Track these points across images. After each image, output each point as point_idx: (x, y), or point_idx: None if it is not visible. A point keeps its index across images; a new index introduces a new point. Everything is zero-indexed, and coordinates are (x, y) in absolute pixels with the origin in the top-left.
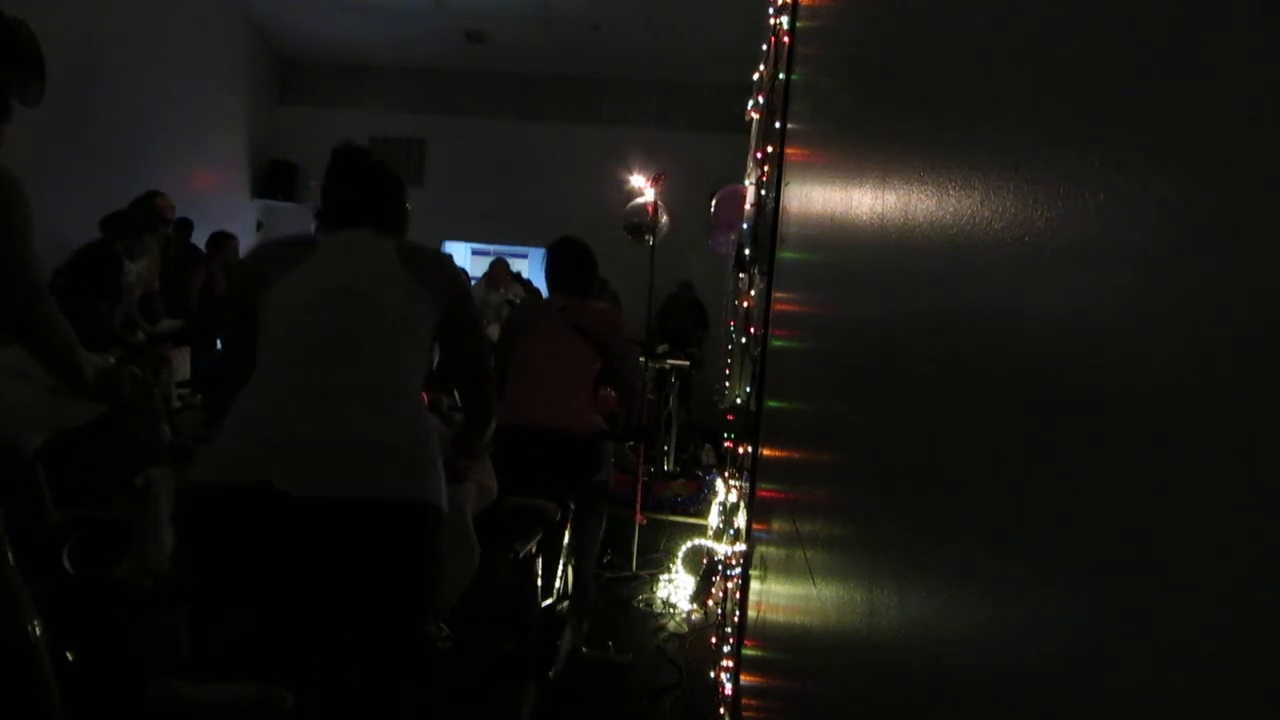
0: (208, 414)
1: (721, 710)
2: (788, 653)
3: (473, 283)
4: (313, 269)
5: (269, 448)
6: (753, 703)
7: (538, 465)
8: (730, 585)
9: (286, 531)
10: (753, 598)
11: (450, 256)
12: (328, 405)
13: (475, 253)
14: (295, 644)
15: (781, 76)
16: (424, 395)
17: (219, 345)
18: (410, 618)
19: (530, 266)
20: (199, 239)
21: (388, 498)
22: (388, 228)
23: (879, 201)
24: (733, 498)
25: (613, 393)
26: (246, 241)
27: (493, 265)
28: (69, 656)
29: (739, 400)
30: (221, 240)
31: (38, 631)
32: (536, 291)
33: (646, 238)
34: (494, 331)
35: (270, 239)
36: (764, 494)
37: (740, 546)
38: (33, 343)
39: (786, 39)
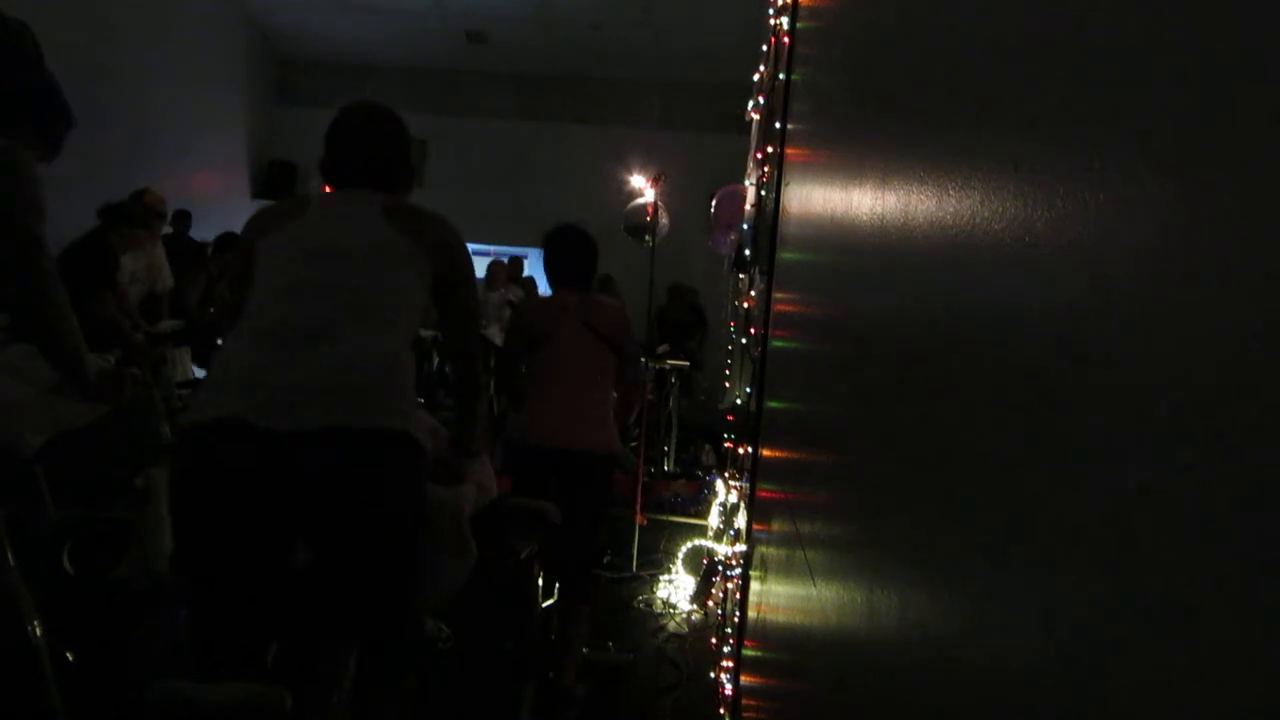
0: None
1: (722, 710)
2: (788, 653)
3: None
4: (299, 229)
5: (238, 386)
6: (753, 703)
7: (554, 484)
8: (730, 586)
9: (260, 464)
10: (753, 598)
11: (447, 219)
12: (294, 347)
13: (475, 253)
14: (275, 601)
15: (781, 76)
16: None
17: (220, 344)
18: (397, 563)
19: (529, 266)
20: (198, 239)
21: (354, 428)
22: (392, 187)
23: (879, 201)
24: (733, 498)
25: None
26: None
27: (490, 266)
28: (69, 656)
29: (739, 400)
30: (227, 242)
31: (38, 631)
32: (534, 286)
33: (646, 238)
34: (494, 333)
35: (268, 204)
36: (764, 494)
37: (740, 547)
38: (41, 332)
39: (786, 39)
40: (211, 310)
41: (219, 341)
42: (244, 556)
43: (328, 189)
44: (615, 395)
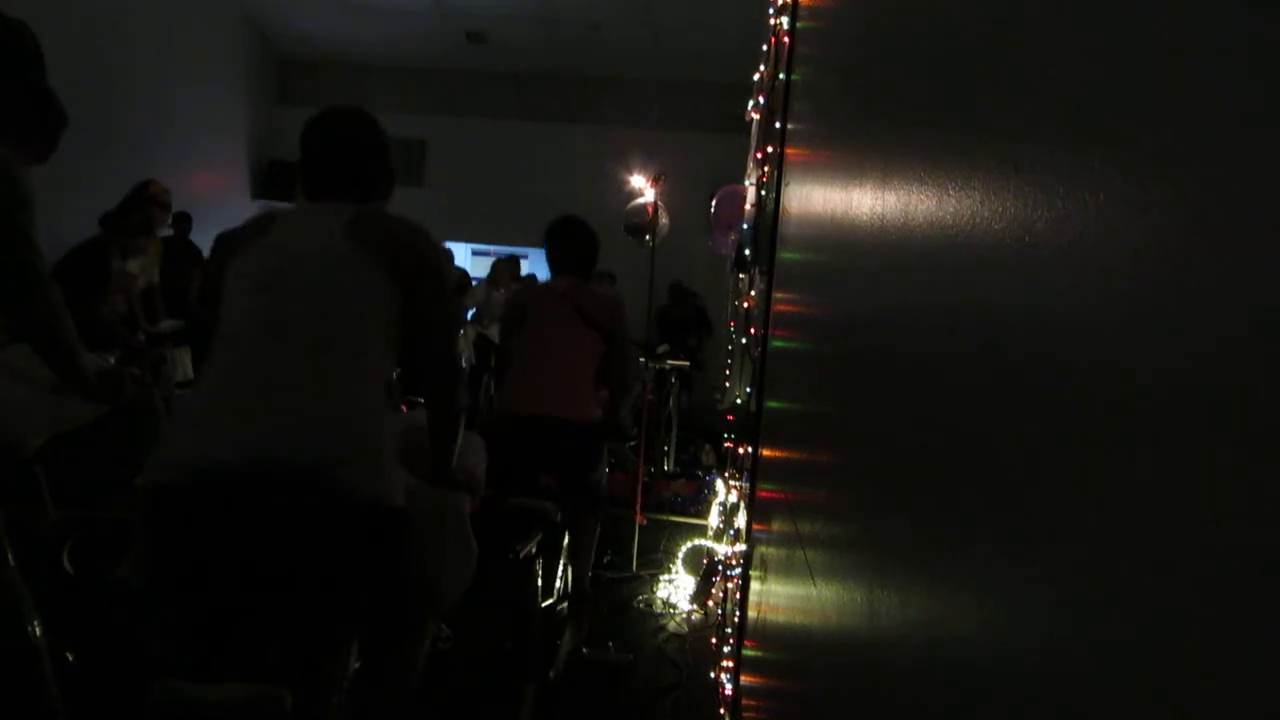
0: None
1: (722, 711)
2: (788, 653)
3: (475, 284)
4: (258, 250)
5: (198, 440)
6: (753, 703)
7: (537, 456)
8: (730, 585)
9: (216, 518)
10: (753, 598)
11: (420, 226)
12: (250, 395)
13: (475, 253)
14: (241, 637)
15: (781, 76)
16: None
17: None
18: (347, 616)
19: (529, 266)
20: (198, 239)
21: (316, 483)
22: (366, 195)
23: (879, 201)
24: (733, 498)
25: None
26: None
27: (494, 265)
28: (69, 656)
29: (739, 400)
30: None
31: (38, 631)
32: (535, 281)
33: (646, 238)
34: (495, 333)
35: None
36: (764, 494)
37: (740, 547)
38: (35, 330)
39: (786, 39)
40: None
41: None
42: (223, 595)
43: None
44: (606, 387)
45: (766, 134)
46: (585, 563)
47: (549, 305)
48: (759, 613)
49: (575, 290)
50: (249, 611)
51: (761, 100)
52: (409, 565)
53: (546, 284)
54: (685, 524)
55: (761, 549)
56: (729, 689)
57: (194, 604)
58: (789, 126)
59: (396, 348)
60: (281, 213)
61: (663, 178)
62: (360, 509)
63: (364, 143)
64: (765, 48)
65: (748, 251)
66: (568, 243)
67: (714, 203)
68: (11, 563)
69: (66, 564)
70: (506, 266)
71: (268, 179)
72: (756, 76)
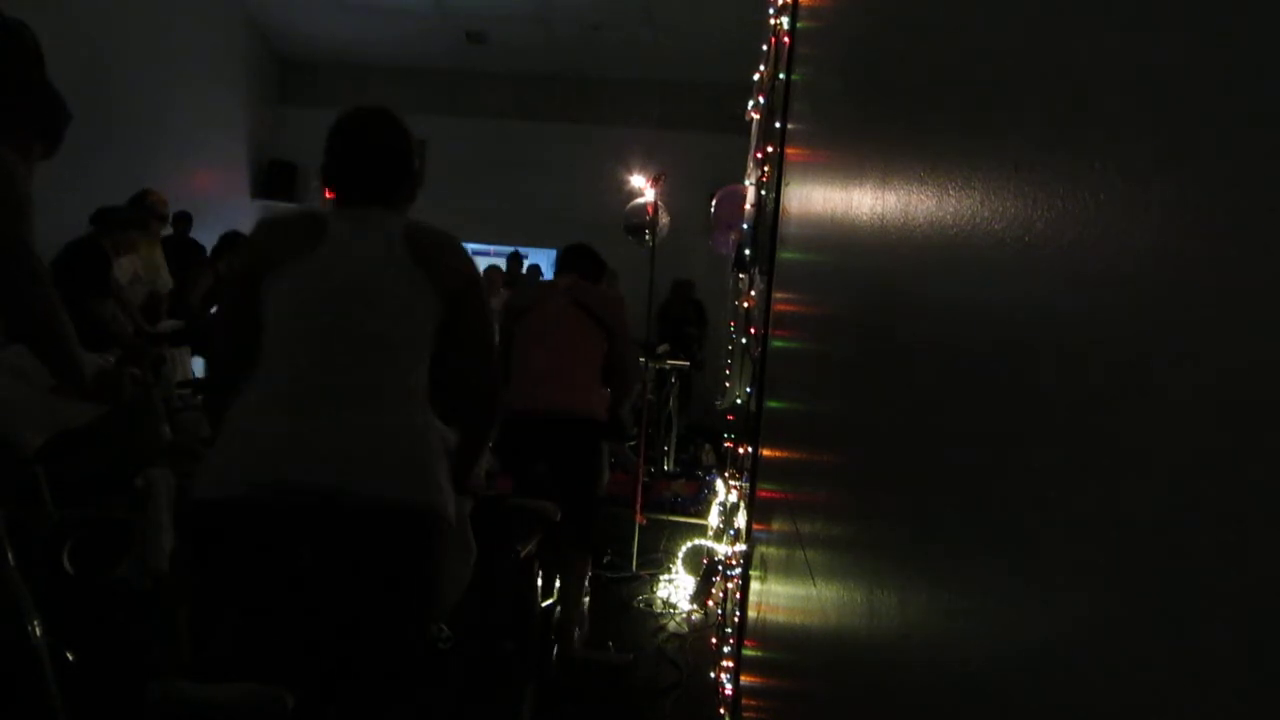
0: (207, 407)
1: (722, 710)
2: (788, 653)
3: None
4: (319, 264)
5: (264, 456)
6: (753, 703)
7: (540, 451)
8: (730, 585)
9: (280, 540)
10: (753, 598)
11: (460, 243)
12: (321, 410)
13: (476, 253)
14: (293, 652)
15: (781, 76)
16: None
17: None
18: (407, 627)
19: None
20: (198, 238)
21: (382, 502)
22: (399, 199)
23: (879, 201)
24: (733, 498)
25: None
26: None
27: (487, 272)
28: (69, 656)
29: (739, 400)
30: (233, 240)
31: (38, 631)
32: (539, 273)
33: (646, 238)
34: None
35: (278, 214)
36: (764, 494)
37: (740, 547)
38: (33, 329)
39: (786, 39)
40: (212, 311)
41: (216, 367)
42: (264, 616)
43: (329, 194)
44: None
45: (766, 134)
46: (573, 610)
47: (551, 300)
48: (759, 613)
49: (577, 286)
50: (301, 625)
51: (761, 100)
52: (442, 574)
53: (548, 282)
54: (685, 524)
55: (761, 549)
56: (729, 689)
57: (249, 619)
58: (789, 126)
59: (429, 363)
60: (330, 218)
61: (663, 178)
62: (414, 521)
63: (392, 145)
64: (765, 48)
65: (748, 251)
66: (577, 254)
67: (714, 203)
68: (11, 563)
69: (66, 564)
70: (502, 274)
71: (268, 179)
72: (756, 76)
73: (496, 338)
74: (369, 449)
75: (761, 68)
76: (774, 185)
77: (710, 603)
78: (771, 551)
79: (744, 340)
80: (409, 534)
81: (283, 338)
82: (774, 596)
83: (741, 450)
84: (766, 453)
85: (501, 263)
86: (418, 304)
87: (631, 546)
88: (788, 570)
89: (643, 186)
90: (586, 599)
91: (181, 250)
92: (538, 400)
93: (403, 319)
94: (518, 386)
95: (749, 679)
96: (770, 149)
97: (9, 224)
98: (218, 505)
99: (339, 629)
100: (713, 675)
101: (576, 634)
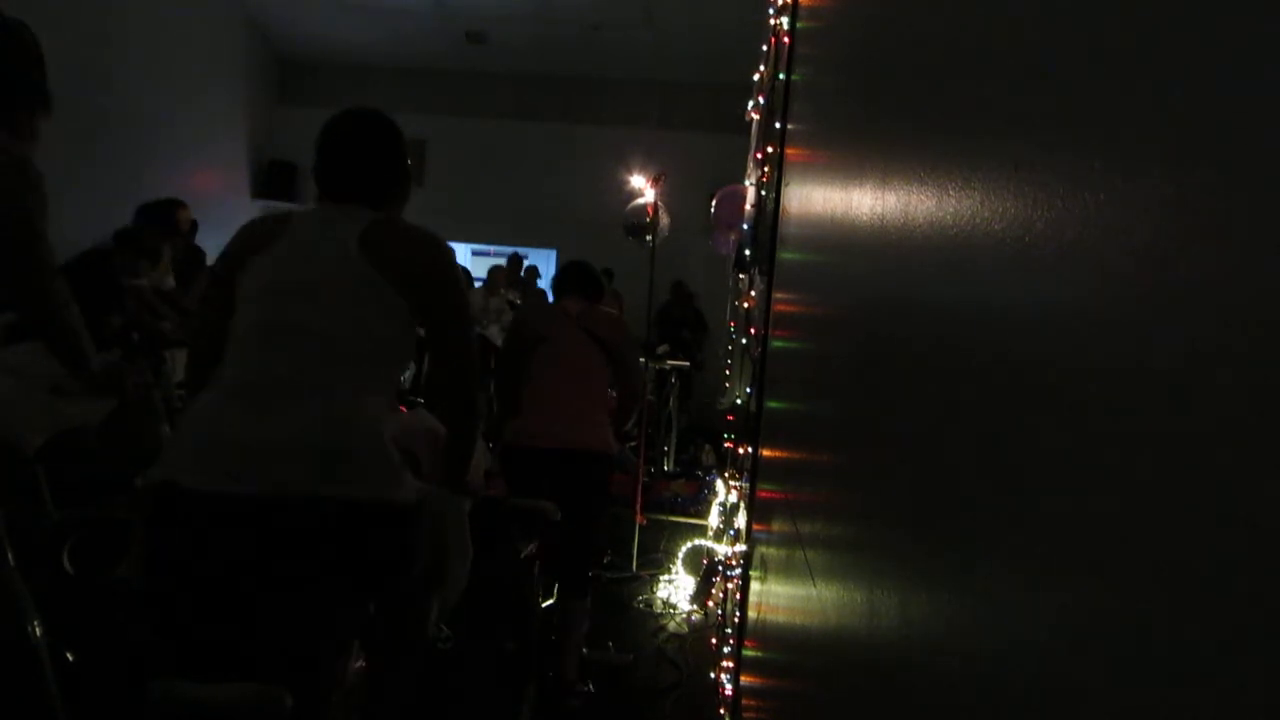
0: (185, 406)
1: (722, 711)
2: (788, 653)
3: (476, 284)
4: (274, 258)
5: (208, 448)
6: (753, 703)
7: (550, 484)
8: (730, 586)
9: (215, 529)
10: (753, 598)
11: (437, 240)
12: (267, 405)
13: (476, 253)
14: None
15: (781, 76)
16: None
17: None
18: (342, 614)
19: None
20: (198, 239)
21: (308, 496)
22: (383, 200)
23: (879, 201)
24: (733, 498)
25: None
26: None
27: (490, 272)
28: (69, 656)
29: (739, 400)
30: None
31: (38, 631)
32: (536, 274)
33: (646, 238)
34: (494, 334)
35: (260, 216)
36: (764, 494)
37: (740, 547)
38: (45, 319)
39: (786, 39)
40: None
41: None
42: (219, 604)
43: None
44: (616, 398)
45: (766, 134)
46: (574, 654)
47: (564, 330)
48: (759, 613)
49: (587, 314)
50: (251, 611)
51: (761, 100)
52: (416, 558)
53: (557, 307)
54: (685, 524)
55: (761, 549)
56: (729, 689)
57: (193, 604)
58: (789, 126)
59: (407, 356)
60: (297, 216)
61: (663, 178)
62: (369, 510)
63: (381, 145)
64: (765, 48)
65: (748, 251)
66: (578, 272)
67: (714, 203)
68: (11, 563)
69: (66, 564)
70: (505, 272)
71: (268, 179)
72: (756, 76)
73: (473, 334)
74: (304, 444)
75: (761, 68)
76: (774, 185)
77: (710, 603)
78: (771, 552)
79: (744, 340)
80: (336, 526)
81: (237, 335)
82: (774, 597)
83: (741, 450)
84: (766, 453)
85: (502, 263)
86: (371, 300)
87: (631, 546)
88: (788, 570)
89: (643, 187)
90: (586, 599)
91: (185, 252)
92: (555, 437)
93: (352, 314)
94: (534, 419)
95: (749, 679)
96: (770, 149)
97: (29, 216)
98: (158, 491)
99: (264, 623)
100: (713, 675)
101: (583, 628)
